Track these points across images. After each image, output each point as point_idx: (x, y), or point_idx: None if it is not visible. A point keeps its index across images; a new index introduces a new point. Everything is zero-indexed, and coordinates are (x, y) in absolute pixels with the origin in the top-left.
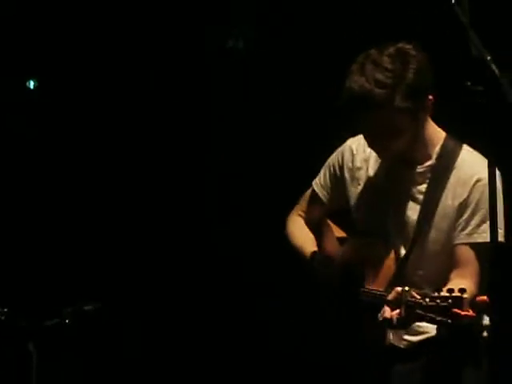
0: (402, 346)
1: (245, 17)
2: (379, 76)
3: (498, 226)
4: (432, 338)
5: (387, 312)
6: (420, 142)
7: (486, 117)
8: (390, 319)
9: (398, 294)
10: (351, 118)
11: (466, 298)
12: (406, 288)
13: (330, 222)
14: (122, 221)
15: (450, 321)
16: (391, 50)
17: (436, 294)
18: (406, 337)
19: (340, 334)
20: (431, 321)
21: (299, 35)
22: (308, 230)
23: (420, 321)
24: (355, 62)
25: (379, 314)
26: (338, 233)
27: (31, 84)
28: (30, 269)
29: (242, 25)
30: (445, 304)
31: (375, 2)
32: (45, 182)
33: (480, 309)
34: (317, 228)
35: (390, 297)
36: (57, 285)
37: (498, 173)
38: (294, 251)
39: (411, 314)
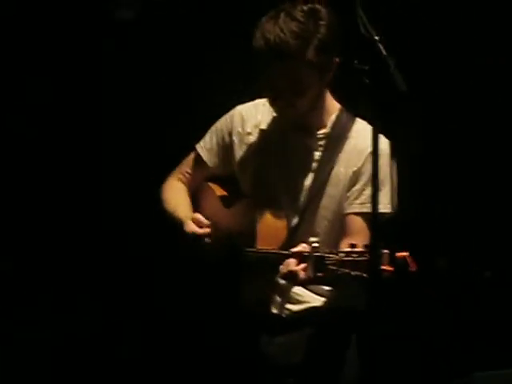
0: (283, 316)
1: None
2: (294, 27)
3: (389, 198)
4: (312, 308)
5: (292, 265)
6: (319, 107)
7: (371, 96)
8: (296, 272)
9: (304, 247)
10: (260, 69)
11: (386, 253)
12: (315, 243)
13: (210, 183)
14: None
15: (365, 275)
16: (304, 6)
17: (347, 249)
18: (288, 306)
19: (220, 302)
20: (341, 277)
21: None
22: (186, 194)
23: (326, 278)
24: (267, 15)
25: (281, 267)
26: (220, 192)
27: None
28: None
29: None
30: (363, 258)
31: None
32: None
33: (400, 264)
34: (198, 192)
35: (297, 249)
36: None
37: (386, 142)
38: (168, 217)
39: (323, 270)
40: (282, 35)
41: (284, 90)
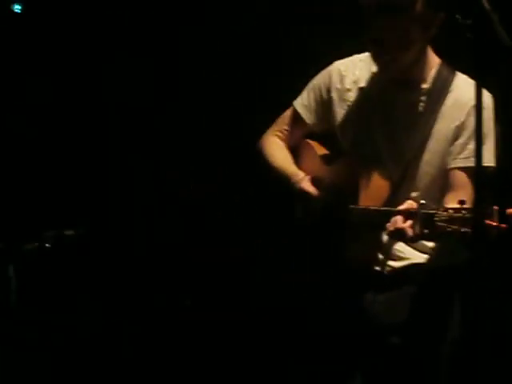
0: (385, 273)
1: None
2: None
3: (491, 149)
4: (414, 264)
5: (399, 222)
6: (420, 62)
7: (475, 51)
8: (403, 230)
9: (412, 204)
10: (366, 23)
11: (495, 209)
12: (422, 200)
13: (309, 140)
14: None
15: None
16: None
17: (456, 206)
18: (390, 262)
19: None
20: (451, 234)
21: None
22: (287, 151)
23: (434, 235)
24: None
25: (388, 225)
26: (320, 150)
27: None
28: (12, 190)
29: None
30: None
31: None
32: None
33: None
34: (296, 149)
35: (403, 207)
36: (38, 208)
37: (489, 96)
38: (272, 173)
39: (431, 226)
40: None
41: (389, 44)
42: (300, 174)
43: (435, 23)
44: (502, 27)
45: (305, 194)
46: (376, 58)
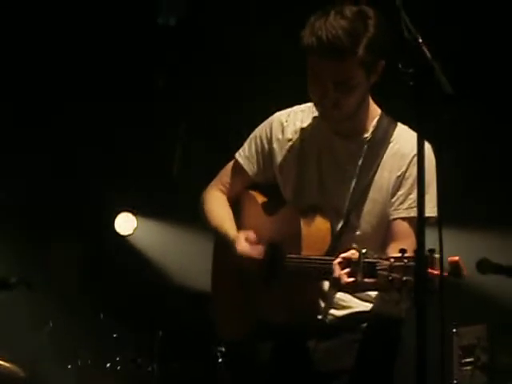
0: (326, 321)
1: None
2: (345, 24)
3: (434, 202)
4: (356, 313)
5: (336, 271)
6: (362, 111)
7: (416, 98)
8: (339, 278)
9: (353, 253)
10: (308, 68)
11: (437, 258)
12: (364, 250)
13: (251, 191)
14: None
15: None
16: (352, 7)
17: (398, 255)
18: (332, 311)
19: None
20: (392, 282)
21: None
22: (228, 206)
23: (376, 284)
24: (315, 15)
25: (335, 274)
26: (261, 199)
27: None
28: None
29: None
30: (413, 263)
31: None
32: None
33: (452, 270)
34: (239, 200)
35: (345, 255)
36: None
37: (430, 147)
38: (212, 230)
39: (374, 275)
40: (334, 32)
41: (331, 89)
42: (231, 235)
43: (377, 70)
44: (443, 75)
45: (242, 254)
46: (318, 104)
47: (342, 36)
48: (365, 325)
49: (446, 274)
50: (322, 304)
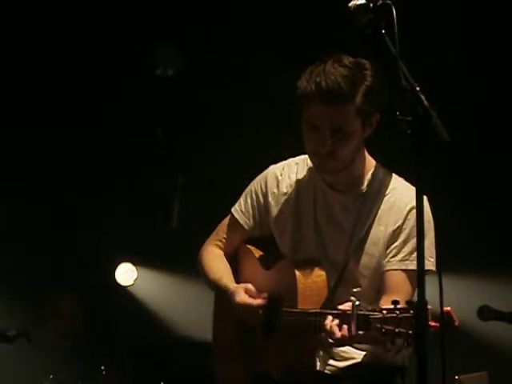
0: (327, 372)
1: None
2: (344, 72)
3: (430, 254)
4: (357, 364)
5: (328, 324)
6: (356, 163)
7: (415, 146)
8: (331, 331)
9: (348, 306)
10: (307, 114)
11: (430, 309)
12: (357, 302)
13: (248, 245)
14: None
15: (410, 332)
16: (349, 57)
17: (390, 307)
18: (332, 362)
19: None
20: (385, 334)
21: None
22: (226, 261)
23: (369, 335)
24: (313, 65)
25: (328, 328)
26: (258, 253)
27: None
28: None
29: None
30: (406, 315)
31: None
32: None
33: (446, 320)
34: (236, 255)
35: (340, 307)
36: None
37: (426, 198)
38: (210, 286)
39: (366, 327)
40: (333, 78)
41: (328, 137)
42: (231, 287)
43: (372, 122)
44: (440, 123)
45: (242, 306)
46: (313, 154)
47: (341, 82)
48: (367, 374)
49: (437, 324)
50: (323, 355)
